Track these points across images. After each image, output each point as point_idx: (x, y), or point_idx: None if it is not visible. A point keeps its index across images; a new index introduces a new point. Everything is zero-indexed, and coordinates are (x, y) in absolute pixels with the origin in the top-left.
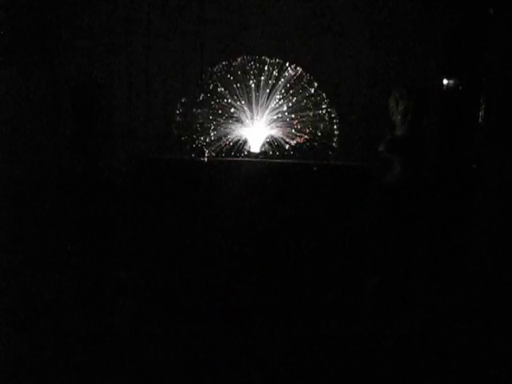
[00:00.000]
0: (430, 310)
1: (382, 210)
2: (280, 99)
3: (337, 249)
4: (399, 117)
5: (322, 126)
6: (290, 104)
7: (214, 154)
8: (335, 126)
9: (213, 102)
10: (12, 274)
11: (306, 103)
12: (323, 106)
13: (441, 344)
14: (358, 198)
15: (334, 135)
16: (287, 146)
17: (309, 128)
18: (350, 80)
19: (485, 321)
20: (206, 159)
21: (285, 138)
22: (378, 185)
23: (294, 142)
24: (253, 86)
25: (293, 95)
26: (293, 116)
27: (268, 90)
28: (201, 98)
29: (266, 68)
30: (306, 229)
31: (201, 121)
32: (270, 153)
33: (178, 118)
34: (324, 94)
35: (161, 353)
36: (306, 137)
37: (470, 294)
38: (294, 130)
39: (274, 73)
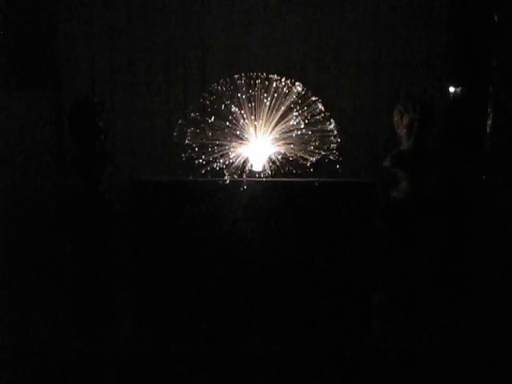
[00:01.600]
0: (440, 326)
1: (389, 226)
2: (283, 116)
3: (342, 265)
4: (404, 130)
5: (326, 142)
6: (293, 121)
7: (213, 174)
8: (339, 142)
9: (214, 120)
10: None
11: (309, 120)
12: (327, 123)
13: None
14: (362, 215)
15: (338, 151)
16: (290, 164)
17: (312, 145)
18: (353, 94)
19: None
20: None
21: (287, 156)
22: (383, 200)
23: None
24: (255, 103)
25: (296, 112)
26: (296, 133)
27: (270, 107)
28: (200, 116)
29: (267, 84)
30: (311, 247)
31: (201, 139)
32: (272, 171)
33: (178, 138)
34: (327, 112)
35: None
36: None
37: (480, 310)
38: (296, 148)
39: (277, 89)
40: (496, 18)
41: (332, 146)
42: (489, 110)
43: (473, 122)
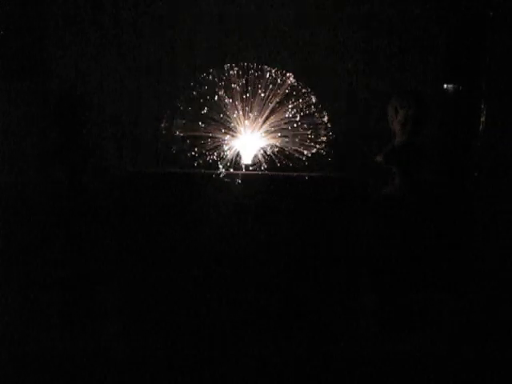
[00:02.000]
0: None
1: (381, 223)
2: (275, 108)
3: (332, 263)
4: (398, 126)
5: (318, 135)
6: (285, 114)
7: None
8: (332, 136)
9: (203, 111)
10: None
11: (301, 113)
12: (319, 116)
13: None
14: (352, 211)
15: (331, 145)
16: (280, 157)
17: (305, 138)
18: (346, 88)
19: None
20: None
21: (278, 148)
22: (376, 197)
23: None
24: (245, 94)
25: (288, 104)
26: (287, 126)
27: (261, 99)
28: (189, 107)
29: (259, 75)
30: (300, 242)
31: (189, 131)
32: (263, 164)
33: (165, 129)
34: (320, 104)
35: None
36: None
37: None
38: (288, 140)
39: (270, 80)
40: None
41: (325, 139)
42: (482, 106)
43: (467, 118)
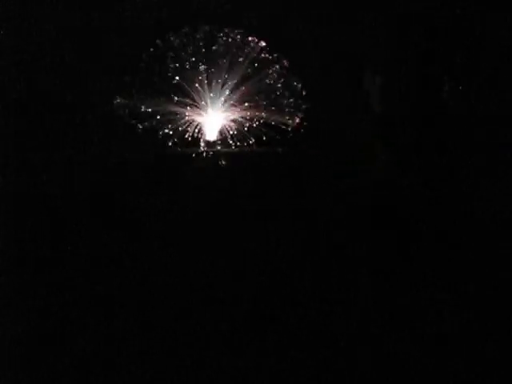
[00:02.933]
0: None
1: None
2: (240, 78)
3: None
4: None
5: (288, 111)
6: (253, 84)
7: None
8: (303, 110)
9: (158, 81)
10: None
11: (271, 83)
12: (292, 88)
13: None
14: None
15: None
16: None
17: (273, 113)
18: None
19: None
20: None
21: (244, 123)
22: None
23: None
24: (207, 61)
25: (256, 74)
26: (255, 98)
27: (225, 67)
28: (145, 78)
29: (224, 40)
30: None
31: (146, 106)
32: (229, 141)
33: (118, 103)
34: (294, 76)
35: None
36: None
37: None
38: (255, 114)
39: (233, 45)
40: None
41: (301, 108)
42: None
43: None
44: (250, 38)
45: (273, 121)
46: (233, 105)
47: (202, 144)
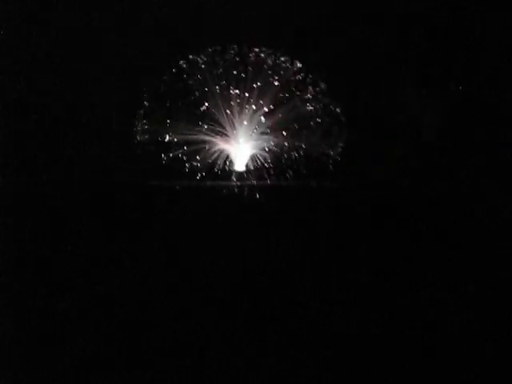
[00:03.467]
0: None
1: None
2: (274, 103)
3: None
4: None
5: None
6: (289, 110)
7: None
8: (344, 135)
9: (183, 106)
10: None
11: (309, 109)
12: (332, 114)
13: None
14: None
15: (340, 146)
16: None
17: (310, 139)
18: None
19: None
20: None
21: (279, 153)
22: None
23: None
24: (237, 84)
25: (291, 98)
26: (291, 125)
27: (257, 90)
28: (167, 103)
29: (256, 60)
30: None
31: (170, 133)
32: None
33: (140, 129)
34: (331, 98)
35: None
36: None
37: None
38: (288, 143)
39: (266, 66)
40: None
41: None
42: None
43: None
44: (284, 59)
45: (312, 151)
46: (266, 133)
47: (233, 177)
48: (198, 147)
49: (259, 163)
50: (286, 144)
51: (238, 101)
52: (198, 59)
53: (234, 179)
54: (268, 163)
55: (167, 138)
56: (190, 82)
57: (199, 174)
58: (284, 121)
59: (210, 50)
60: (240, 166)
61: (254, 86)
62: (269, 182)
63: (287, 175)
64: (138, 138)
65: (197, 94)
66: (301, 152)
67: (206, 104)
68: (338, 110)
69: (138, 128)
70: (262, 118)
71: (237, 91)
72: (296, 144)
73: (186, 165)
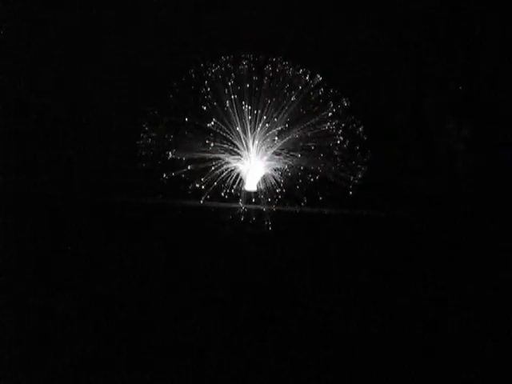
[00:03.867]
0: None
1: None
2: (290, 120)
3: None
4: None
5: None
6: (306, 128)
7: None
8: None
9: (191, 121)
10: None
11: (328, 128)
12: (354, 134)
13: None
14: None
15: (362, 170)
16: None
17: (328, 158)
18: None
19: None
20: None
21: (294, 176)
22: None
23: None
24: (250, 98)
25: (309, 115)
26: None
27: (272, 106)
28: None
29: (271, 72)
30: None
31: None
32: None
33: (144, 146)
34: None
35: None
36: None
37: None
38: (308, 166)
39: (282, 79)
40: None
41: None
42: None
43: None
44: (302, 71)
45: (330, 175)
46: (280, 153)
47: (241, 200)
48: (205, 166)
49: (271, 186)
50: (300, 166)
51: (251, 117)
52: (209, 69)
53: (243, 201)
54: (280, 187)
55: (171, 155)
56: (200, 95)
57: (205, 194)
58: (300, 140)
59: (221, 59)
60: (251, 186)
61: (269, 100)
62: (279, 207)
63: (301, 201)
64: (142, 153)
65: (206, 109)
66: (316, 175)
67: (215, 119)
68: (360, 129)
69: (142, 143)
70: (277, 137)
71: (249, 106)
72: (311, 167)
73: (190, 187)
